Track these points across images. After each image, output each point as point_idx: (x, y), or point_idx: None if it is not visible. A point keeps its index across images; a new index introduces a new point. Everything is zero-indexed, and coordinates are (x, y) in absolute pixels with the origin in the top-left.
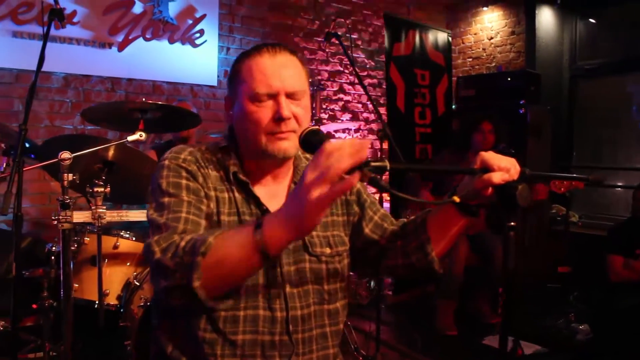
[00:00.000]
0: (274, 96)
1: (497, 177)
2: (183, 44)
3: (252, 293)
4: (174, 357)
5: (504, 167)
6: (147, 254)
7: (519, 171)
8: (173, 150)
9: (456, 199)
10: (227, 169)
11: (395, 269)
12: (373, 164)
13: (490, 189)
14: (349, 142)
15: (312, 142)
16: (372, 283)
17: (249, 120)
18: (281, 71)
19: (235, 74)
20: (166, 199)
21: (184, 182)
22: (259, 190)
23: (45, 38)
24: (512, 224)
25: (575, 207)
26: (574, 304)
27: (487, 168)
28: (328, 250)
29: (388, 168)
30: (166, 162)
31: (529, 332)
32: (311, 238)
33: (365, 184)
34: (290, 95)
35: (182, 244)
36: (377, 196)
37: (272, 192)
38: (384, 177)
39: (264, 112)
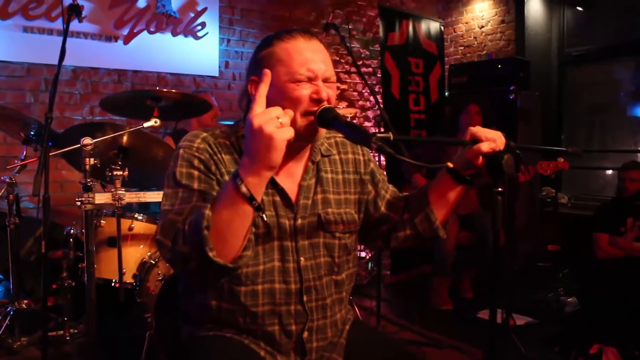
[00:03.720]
0: (312, 79)
1: (485, 147)
2: (186, 36)
3: (268, 269)
4: (199, 323)
5: (490, 138)
6: (160, 249)
7: (504, 142)
8: (187, 137)
9: (450, 164)
10: (242, 151)
11: (404, 240)
12: (379, 135)
13: (480, 159)
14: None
15: (327, 118)
16: (370, 264)
17: (287, 98)
18: (318, 56)
19: (269, 56)
20: (179, 191)
21: (195, 172)
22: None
23: (65, 33)
24: (500, 189)
25: (565, 189)
26: (563, 280)
27: (476, 140)
28: (341, 227)
29: (392, 139)
30: (180, 151)
31: (520, 305)
32: (327, 215)
33: (375, 159)
34: (325, 80)
35: (186, 227)
36: None
37: (289, 171)
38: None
39: (303, 92)
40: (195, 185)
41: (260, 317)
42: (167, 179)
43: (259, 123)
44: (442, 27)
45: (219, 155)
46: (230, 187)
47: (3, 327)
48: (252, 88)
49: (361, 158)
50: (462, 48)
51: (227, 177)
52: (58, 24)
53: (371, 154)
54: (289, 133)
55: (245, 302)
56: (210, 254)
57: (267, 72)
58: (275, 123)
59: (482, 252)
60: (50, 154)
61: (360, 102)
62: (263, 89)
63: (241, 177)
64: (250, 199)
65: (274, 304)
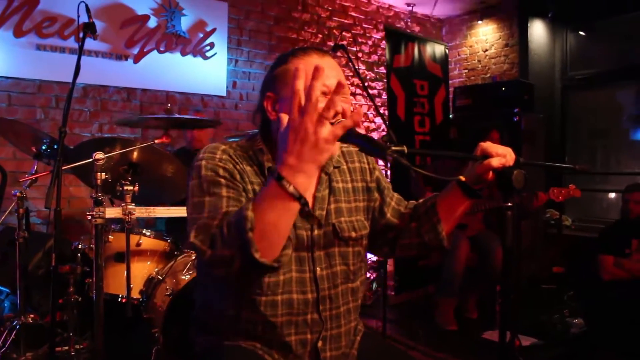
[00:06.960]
0: (326, 94)
1: (495, 162)
2: (194, 56)
3: (287, 280)
4: (215, 333)
5: (501, 153)
6: (198, 253)
7: (514, 158)
8: (207, 150)
9: (462, 178)
10: (262, 164)
11: (409, 248)
12: (393, 147)
13: (490, 174)
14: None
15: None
16: (374, 284)
17: None
18: (332, 72)
19: (284, 73)
20: (206, 198)
21: (222, 180)
22: None
23: (80, 50)
24: (509, 204)
25: (569, 211)
26: (568, 302)
27: (486, 155)
28: (354, 234)
29: (406, 152)
30: (203, 162)
31: (525, 326)
32: (340, 224)
33: (381, 169)
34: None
35: (225, 230)
36: None
37: None
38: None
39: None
40: (224, 193)
41: (279, 327)
42: (191, 190)
43: (305, 120)
44: (447, 50)
45: (241, 166)
46: (275, 188)
47: (8, 342)
48: (268, 104)
49: (367, 166)
50: (466, 71)
51: (250, 187)
52: (70, 42)
53: (376, 163)
54: (341, 130)
55: (265, 311)
56: (256, 255)
57: (300, 68)
58: (323, 118)
59: (487, 271)
60: (64, 167)
61: (366, 124)
62: (300, 84)
63: (287, 179)
64: (299, 199)
65: (292, 314)
